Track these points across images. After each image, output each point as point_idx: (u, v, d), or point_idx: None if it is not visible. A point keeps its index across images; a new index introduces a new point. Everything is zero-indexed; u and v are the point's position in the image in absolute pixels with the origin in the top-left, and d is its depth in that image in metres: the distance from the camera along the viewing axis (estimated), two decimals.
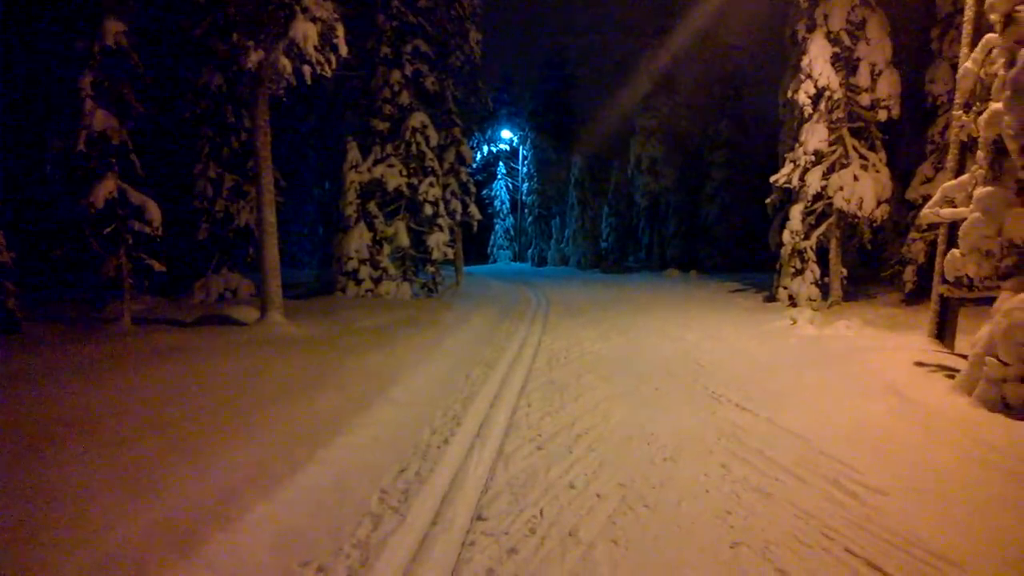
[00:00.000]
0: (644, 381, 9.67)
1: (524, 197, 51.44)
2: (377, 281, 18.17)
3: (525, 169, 51.23)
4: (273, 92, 11.83)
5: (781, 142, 18.93)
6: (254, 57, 11.05)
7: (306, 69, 11.35)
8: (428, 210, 18.94)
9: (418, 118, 18.92)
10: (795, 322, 14.23)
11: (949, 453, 6.44)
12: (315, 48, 11.19)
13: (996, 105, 7.49)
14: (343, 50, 11.70)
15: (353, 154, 18.24)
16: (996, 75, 7.89)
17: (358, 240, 17.90)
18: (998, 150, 7.69)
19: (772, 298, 17.70)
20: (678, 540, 4.82)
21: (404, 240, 18.59)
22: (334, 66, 11.64)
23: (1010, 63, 7.38)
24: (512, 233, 53.90)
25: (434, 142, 19.26)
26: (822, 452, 6.57)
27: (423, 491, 5.64)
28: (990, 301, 8.22)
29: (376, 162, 18.67)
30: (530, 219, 50.39)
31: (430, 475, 5.99)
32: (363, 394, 7.96)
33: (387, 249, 18.44)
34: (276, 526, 4.84)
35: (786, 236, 16.62)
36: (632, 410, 8.13)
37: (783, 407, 8.14)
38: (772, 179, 17.15)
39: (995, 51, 8.08)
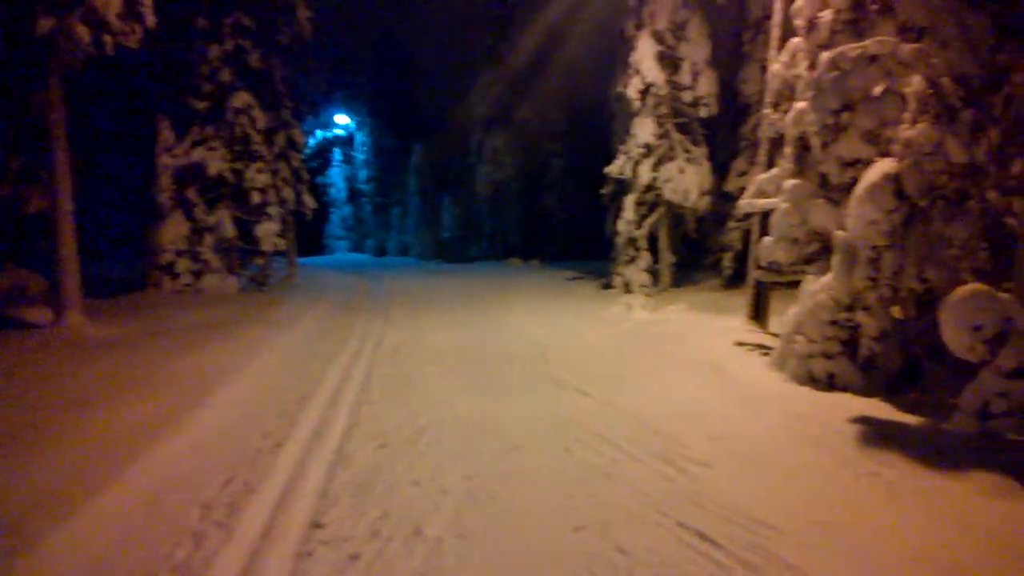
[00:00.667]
0: (489, 370, 9.68)
1: (362, 185, 50.04)
2: (198, 275, 16.78)
3: (363, 156, 49.84)
4: (69, 64, 10.46)
5: (615, 134, 19.81)
6: (45, 24, 9.70)
7: (107, 39, 10.14)
8: (256, 198, 17.76)
9: (242, 98, 17.64)
10: (629, 308, 14.97)
11: (765, 425, 6.99)
12: (117, 16, 10.02)
13: (801, 104, 8.22)
14: (150, 20, 10.58)
15: (166, 135, 16.64)
16: (800, 77, 8.66)
17: (174, 230, 16.41)
18: (803, 146, 8.45)
19: (609, 285, 18.51)
20: (524, 528, 4.83)
21: (229, 230, 17.28)
22: (140, 36, 10.49)
23: (812, 66, 8.10)
24: (350, 223, 52.31)
25: (261, 124, 18.04)
26: (655, 431, 6.88)
27: (253, 502, 5.20)
28: (798, 284, 9.05)
29: (195, 144, 17.18)
30: (369, 208, 49.14)
31: (261, 484, 5.54)
32: (181, 400, 7.22)
33: (209, 240, 17.05)
34: (73, 559, 4.23)
35: (621, 225, 17.43)
36: (478, 400, 8.09)
37: (621, 390, 8.47)
38: (606, 170, 17.90)
39: (799, 54, 8.87)
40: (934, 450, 5.84)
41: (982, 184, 7.43)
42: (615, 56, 19.19)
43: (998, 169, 8.69)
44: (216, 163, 16.99)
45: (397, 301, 17.88)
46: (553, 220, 33.61)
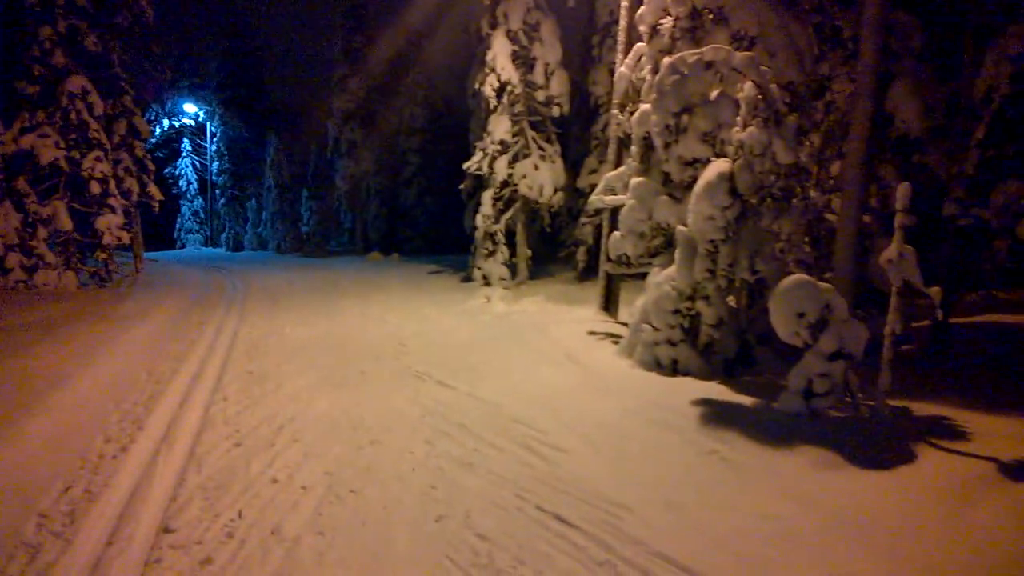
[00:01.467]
0: (349, 365, 9.42)
1: (215, 177, 46.99)
2: (31, 270, 15.10)
3: (214, 147, 46.81)
4: None
5: (472, 131, 19.92)
6: None
7: None
8: (95, 188, 16.20)
9: (77, 82, 16.03)
10: (488, 300, 15.13)
11: (617, 410, 7.31)
12: None
13: (645, 106, 8.66)
14: None
15: None
16: (645, 80, 9.14)
17: (2, 223, 14.66)
18: (647, 145, 8.91)
19: (468, 278, 18.61)
20: (385, 521, 4.77)
21: (65, 223, 15.69)
22: None
23: (655, 69, 8.56)
24: (203, 216, 48.95)
25: (99, 111, 16.50)
26: (514, 419, 7.00)
27: (94, 510, 4.79)
28: (645, 276, 9.54)
29: (24, 131, 15.43)
30: (223, 201, 46.24)
31: (104, 490, 5.11)
32: (9, 404, 6.47)
33: (43, 233, 15.40)
34: None
35: (479, 220, 17.58)
36: (337, 395, 7.87)
37: (481, 380, 8.54)
38: (465, 166, 17.98)
39: (643, 58, 9.35)
40: (766, 428, 6.36)
41: (805, 183, 8.22)
42: (473, 54, 19.30)
43: (819, 170, 9.65)
44: (49, 151, 15.33)
45: (254, 296, 16.96)
46: (413, 215, 33.30)
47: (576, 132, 20.29)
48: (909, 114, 8.24)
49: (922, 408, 6.94)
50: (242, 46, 45.35)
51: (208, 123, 47.18)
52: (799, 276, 6.41)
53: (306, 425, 6.77)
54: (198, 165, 48.85)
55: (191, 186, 48.76)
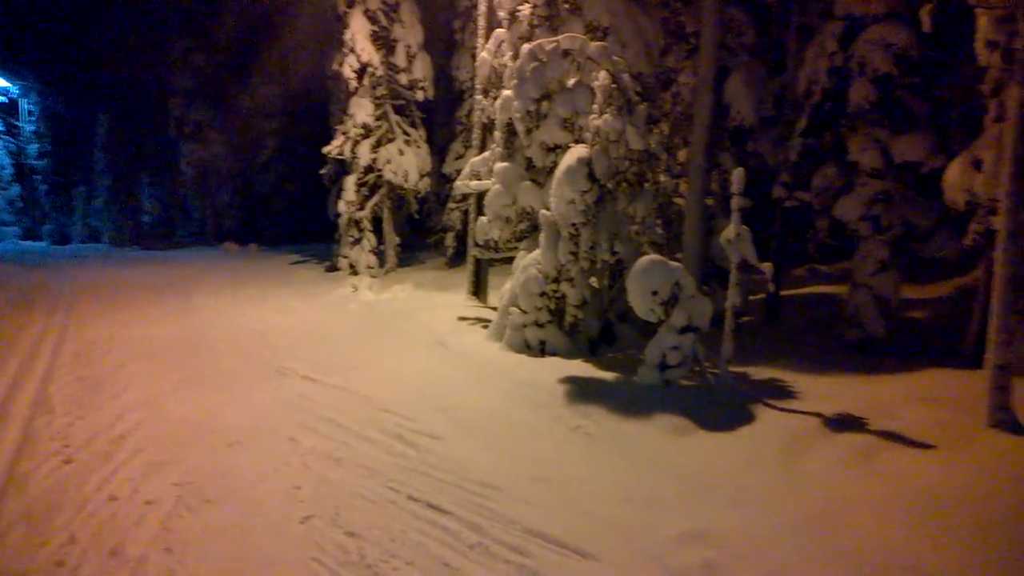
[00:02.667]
0: (205, 365, 8.92)
1: (33, 161, 42.31)
2: None
3: (32, 127, 42.14)
4: None
5: (333, 115, 19.29)
6: None
7: None
8: None
9: None
10: (356, 289, 14.83)
11: (487, 392, 7.45)
12: None
13: (507, 92, 8.80)
14: None
15: None
16: (506, 65, 9.27)
17: None
18: (511, 131, 9.07)
19: (334, 268, 18.12)
20: (245, 529, 4.56)
21: None
22: None
23: (516, 56, 8.71)
24: (20, 205, 43.96)
25: None
26: (386, 409, 6.95)
27: None
28: (512, 260, 9.74)
29: None
30: (44, 188, 41.77)
31: None
32: None
33: None
34: None
35: (342, 206, 17.13)
36: (191, 397, 7.41)
37: (350, 372, 8.39)
38: (325, 150, 17.42)
39: (504, 44, 9.48)
40: (627, 400, 6.73)
41: (656, 169, 8.70)
42: (332, 32, 18.64)
43: (668, 156, 10.24)
44: None
45: (86, 295, 15.55)
46: (273, 202, 31.77)
47: (442, 117, 20.18)
48: (744, 105, 8.94)
49: (760, 372, 7.63)
50: (63, 13, 40.99)
51: (22, 100, 42.33)
52: (652, 256, 6.81)
53: (153, 433, 6.30)
54: (12, 148, 43.69)
55: (4, 172, 43.56)
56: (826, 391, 6.87)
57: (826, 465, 5.17)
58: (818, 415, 5.99)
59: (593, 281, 9.30)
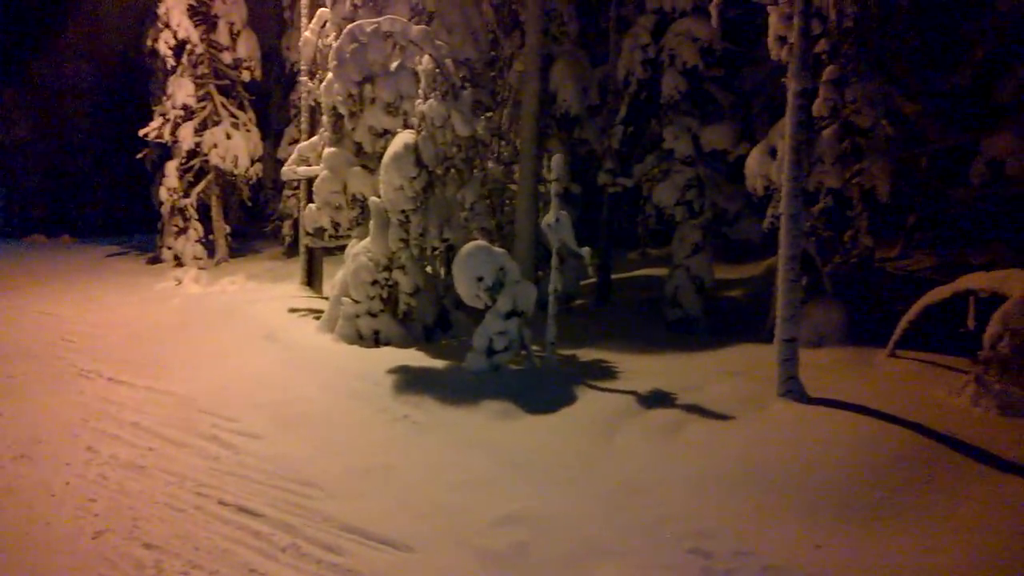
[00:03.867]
0: None
1: None
2: None
3: None
4: None
5: (153, 95, 17.76)
6: None
7: None
8: None
9: None
10: (180, 282, 13.78)
11: (316, 386, 7.15)
12: None
13: (330, 74, 8.45)
14: None
15: None
16: (330, 46, 8.89)
17: None
18: (337, 114, 8.73)
19: (157, 260, 16.73)
20: (25, 548, 4.09)
21: None
22: None
23: (339, 36, 8.37)
24: None
25: None
26: (201, 410, 6.50)
27: None
28: (344, 249, 9.41)
29: None
30: None
31: None
32: None
33: None
34: None
35: (163, 194, 15.84)
36: None
37: (166, 372, 7.77)
38: (142, 132, 15.98)
39: (328, 24, 9.09)
40: (456, 387, 6.71)
41: (484, 155, 8.74)
42: (148, 6, 17.08)
43: (501, 142, 10.32)
44: None
45: None
46: (88, 189, 28.81)
47: (277, 100, 19.16)
48: (569, 93, 9.19)
49: (588, 354, 7.90)
50: None
51: None
52: (476, 242, 6.82)
53: None
54: None
55: None
56: (645, 369, 7.23)
57: (638, 440, 5.42)
58: (634, 392, 6.27)
59: (428, 268, 9.22)
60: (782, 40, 6.39)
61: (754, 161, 7.40)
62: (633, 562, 3.85)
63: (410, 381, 7.00)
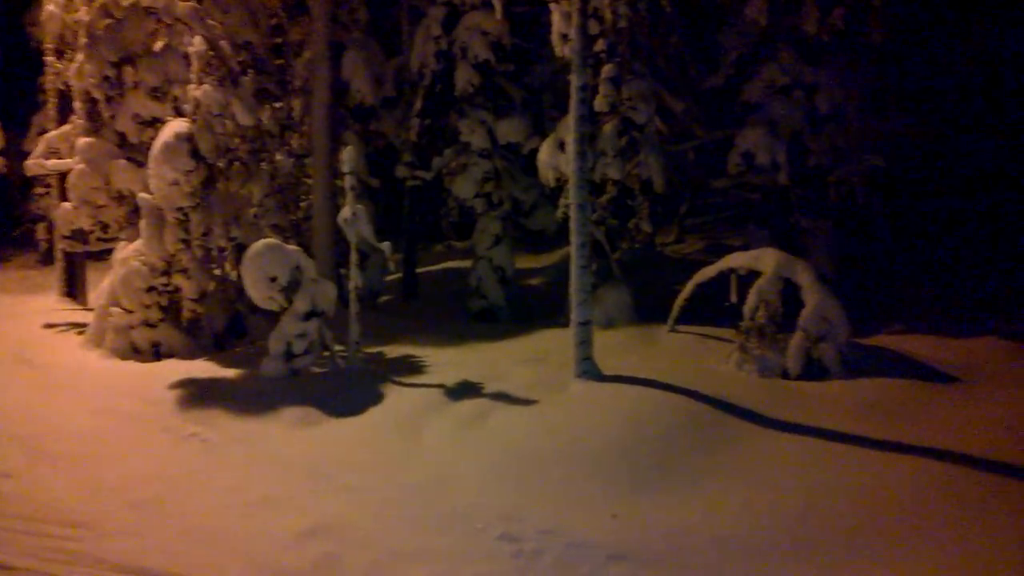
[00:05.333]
0: None
1: None
2: None
3: None
4: None
5: None
6: None
7: None
8: None
9: None
10: None
11: (81, 411, 6.28)
12: None
13: (81, 54, 7.43)
14: None
15: None
16: (81, 21, 7.81)
17: None
18: (92, 100, 7.71)
19: None
20: None
21: None
22: None
23: (90, 9, 7.39)
24: None
25: None
26: None
27: None
28: (112, 253, 8.38)
29: None
30: None
31: None
32: None
33: None
34: None
35: None
36: None
37: None
38: None
39: None
40: (250, 397, 6.24)
41: (272, 147, 8.20)
42: None
43: (293, 133, 9.76)
44: None
45: None
46: None
47: (22, 83, 16.61)
48: (363, 83, 8.91)
49: (395, 350, 7.73)
50: None
51: None
52: (266, 240, 6.38)
53: None
54: None
55: None
56: (453, 361, 7.22)
57: (446, 433, 5.38)
58: (442, 386, 6.23)
59: (216, 270, 8.49)
60: (564, 37, 6.67)
61: (545, 154, 7.67)
62: (444, 559, 3.80)
63: (198, 395, 6.40)
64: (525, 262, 11.85)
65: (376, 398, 6.12)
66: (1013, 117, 8.18)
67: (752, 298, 6.17)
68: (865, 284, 8.35)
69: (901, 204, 9.10)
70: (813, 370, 5.84)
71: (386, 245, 6.49)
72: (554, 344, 7.43)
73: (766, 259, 6.27)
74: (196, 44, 6.70)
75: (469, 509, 4.31)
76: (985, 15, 8.23)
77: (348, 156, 6.12)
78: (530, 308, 9.80)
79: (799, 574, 3.49)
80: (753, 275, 6.35)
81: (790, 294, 6.11)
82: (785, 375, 5.87)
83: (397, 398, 6.10)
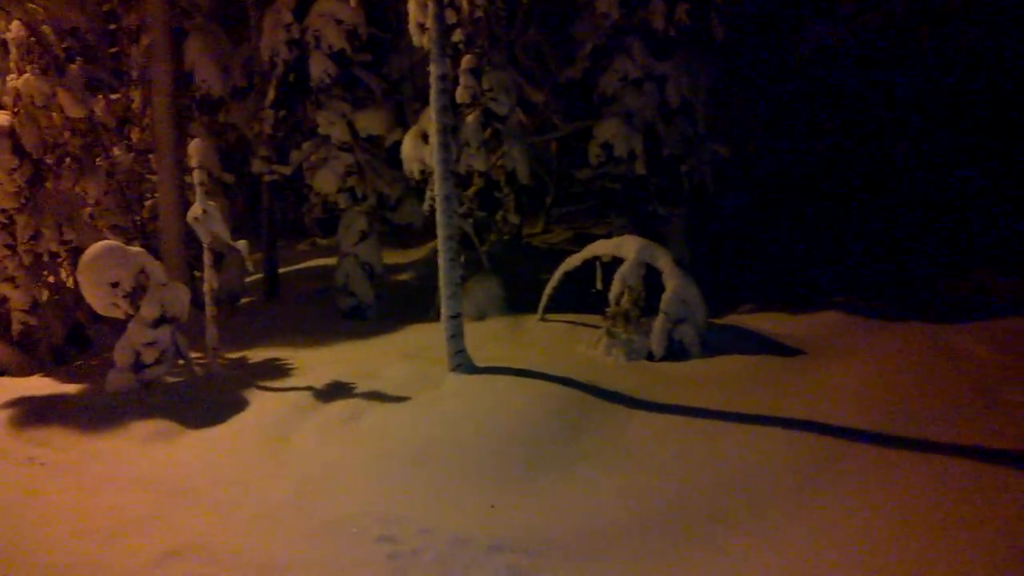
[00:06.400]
0: None
1: None
2: None
3: None
4: None
5: None
6: None
7: None
8: None
9: None
10: None
11: None
12: None
13: None
14: None
15: None
16: None
17: None
18: None
19: None
20: None
21: None
22: None
23: None
24: None
25: None
26: None
27: None
28: None
29: None
30: None
31: None
32: None
33: None
34: None
35: None
36: None
37: None
38: None
39: None
40: (95, 414, 5.72)
41: (108, 141, 7.52)
42: None
43: (136, 128, 9.00)
44: None
45: None
46: None
47: None
48: (208, 73, 8.35)
49: (259, 354, 7.36)
50: None
51: None
52: (105, 242, 5.85)
53: None
54: None
55: None
56: (321, 361, 6.98)
57: (317, 436, 5.19)
58: (310, 388, 6.00)
59: (50, 278, 7.71)
60: (421, 27, 6.59)
61: (408, 146, 7.55)
62: (319, 570, 3.65)
63: (34, 415, 5.80)
64: (394, 257, 11.66)
65: (239, 406, 5.80)
66: (844, 111, 8.96)
67: (616, 284, 6.40)
68: (719, 266, 8.91)
69: (751, 191, 9.77)
70: (676, 351, 6.16)
71: (242, 244, 6.13)
72: (427, 339, 7.36)
73: (628, 246, 6.52)
74: (14, 29, 6.00)
75: (344, 515, 4.18)
76: (815, 13, 8.93)
77: (196, 150, 5.71)
78: (401, 304, 9.65)
79: (678, 553, 3.58)
80: (617, 262, 6.59)
81: (654, 280, 6.40)
82: (650, 357, 6.15)
83: (262, 404, 5.81)
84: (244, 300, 9.96)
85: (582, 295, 7.21)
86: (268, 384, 6.26)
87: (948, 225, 8.21)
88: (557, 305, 7.49)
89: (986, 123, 7.97)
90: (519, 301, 8.21)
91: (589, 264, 7.01)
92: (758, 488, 4.05)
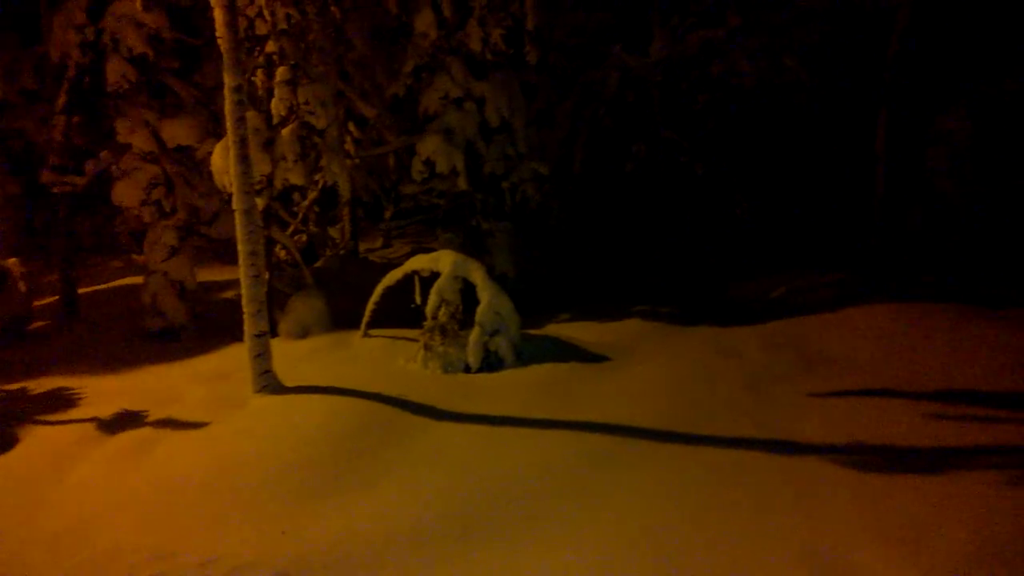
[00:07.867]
0: None
1: None
2: None
3: None
4: None
5: None
6: None
7: None
8: None
9: None
10: None
11: None
12: None
13: None
14: None
15: None
16: None
17: None
18: None
19: None
20: None
21: None
22: None
23: None
24: None
25: None
26: None
27: None
28: None
29: None
30: None
31: None
32: None
33: None
34: None
35: None
36: None
37: None
38: None
39: None
40: None
41: None
42: None
43: None
44: None
45: None
46: None
47: None
48: None
49: (42, 384, 6.67)
50: None
51: None
52: None
53: None
54: None
55: None
56: (116, 389, 6.45)
57: (96, 471, 4.77)
58: (96, 419, 5.51)
59: None
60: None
61: (218, 157, 7.18)
62: None
63: None
64: (215, 274, 11.01)
65: (8, 442, 5.21)
66: (649, 135, 9.64)
67: (433, 298, 6.42)
68: (542, 279, 9.22)
69: (572, 207, 10.23)
70: (492, 362, 6.26)
71: (12, 263, 5.52)
72: (240, 360, 6.95)
73: (443, 261, 6.57)
74: None
75: (117, 551, 3.86)
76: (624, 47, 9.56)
77: None
78: (220, 323, 9.11)
79: (468, 558, 3.61)
80: (435, 276, 6.61)
81: (474, 294, 6.48)
82: (467, 369, 6.20)
83: (38, 439, 5.26)
84: (35, 325, 8.98)
85: (406, 310, 7.18)
86: (47, 417, 5.69)
87: (740, 235, 9.10)
88: (382, 320, 7.40)
89: (768, 142, 8.92)
90: (349, 317, 8.03)
91: (410, 278, 6.99)
92: (553, 489, 4.18)
